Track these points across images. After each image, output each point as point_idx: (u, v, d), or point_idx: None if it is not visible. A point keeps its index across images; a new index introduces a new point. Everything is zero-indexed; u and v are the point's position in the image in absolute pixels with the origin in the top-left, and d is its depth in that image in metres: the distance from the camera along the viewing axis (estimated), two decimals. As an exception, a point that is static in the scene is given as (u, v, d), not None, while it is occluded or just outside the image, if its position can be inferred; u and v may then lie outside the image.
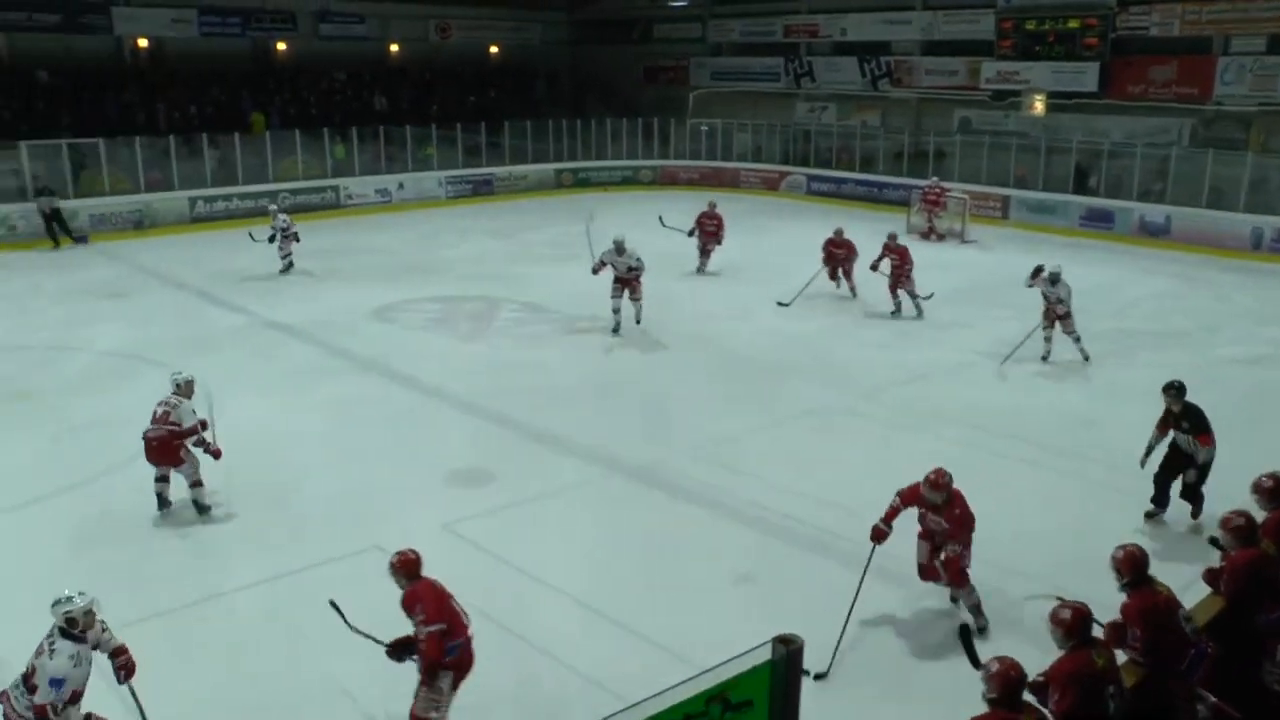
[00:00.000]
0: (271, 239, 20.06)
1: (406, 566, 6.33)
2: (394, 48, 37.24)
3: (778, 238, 23.94)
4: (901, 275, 16.98)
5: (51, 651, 5.69)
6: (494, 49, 39.89)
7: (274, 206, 21.62)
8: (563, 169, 32.96)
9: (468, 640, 6.34)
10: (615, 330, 15.85)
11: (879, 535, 7.71)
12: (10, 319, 17.20)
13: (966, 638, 5.85)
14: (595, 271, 15.87)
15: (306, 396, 13.20)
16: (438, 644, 6.11)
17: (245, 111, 30.63)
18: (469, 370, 14.22)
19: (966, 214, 24.56)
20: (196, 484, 9.73)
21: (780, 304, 17.65)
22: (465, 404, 12.89)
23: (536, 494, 10.30)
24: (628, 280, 15.72)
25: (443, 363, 14.58)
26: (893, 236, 17.46)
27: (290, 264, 20.29)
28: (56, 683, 5.61)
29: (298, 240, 20.38)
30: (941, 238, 24.34)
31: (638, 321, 15.99)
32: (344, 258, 21.87)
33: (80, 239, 23.76)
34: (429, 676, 6.21)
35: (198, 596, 8.32)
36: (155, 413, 9.64)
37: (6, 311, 17.68)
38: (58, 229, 23.34)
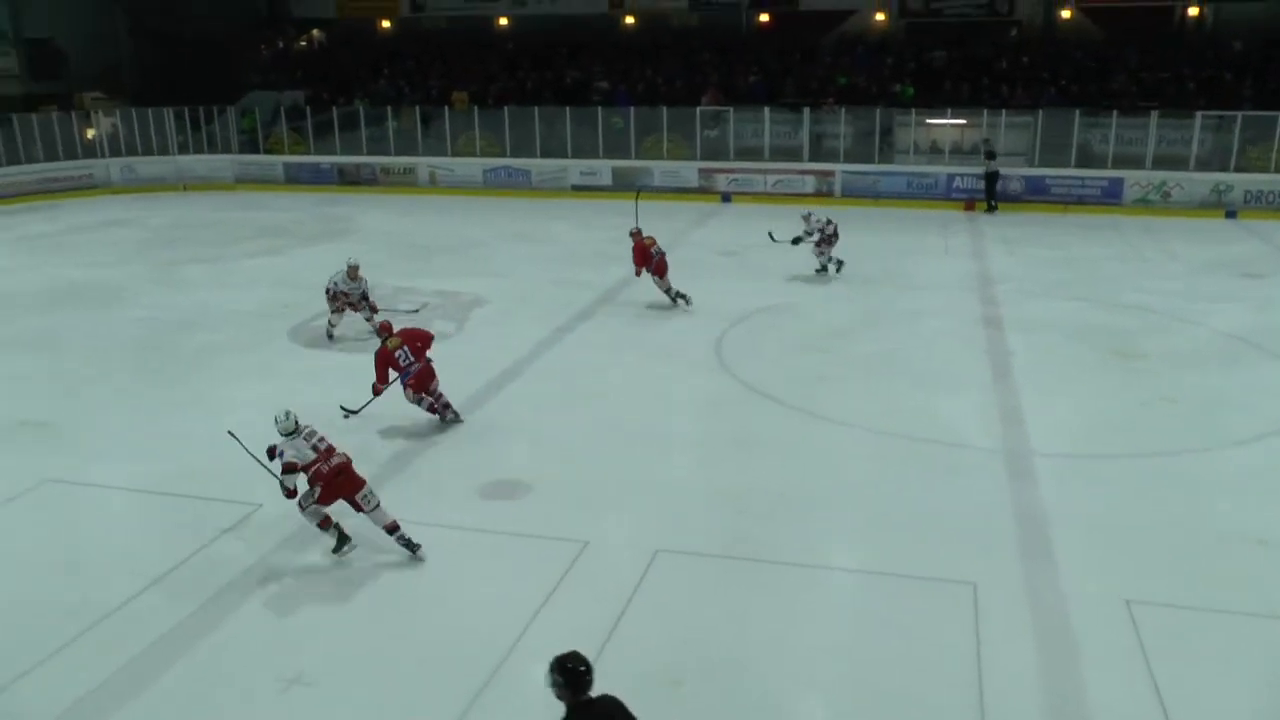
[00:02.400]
0: (796, 241, 17.60)
1: (384, 329, 11.19)
2: None
3: None
4: None
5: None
6: None
7: (807, 211, 18.29)
8: None
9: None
10: None
11: None
12: (1145, 279, 17.85)
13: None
14: None
15: None
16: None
17: None
18: None
19: None
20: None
21: None
22: None
23: None
24: None
25: None
26: None
27: (823, 266, 18.04)
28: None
29: (830, 242, 17.65)
30: None
31: None
32: None
33: (992, 209, 24.58)
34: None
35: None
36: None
37: (1166, 274, 18.46)
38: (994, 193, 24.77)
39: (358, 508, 8.34)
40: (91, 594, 8.00)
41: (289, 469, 8.14)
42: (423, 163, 28.80)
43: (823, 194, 26.34)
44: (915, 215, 24.70)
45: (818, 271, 18.22)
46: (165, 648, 7.31)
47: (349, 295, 14.58)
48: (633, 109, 27.82)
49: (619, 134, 27.62)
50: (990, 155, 24.95)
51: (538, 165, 27.93)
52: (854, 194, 26.26)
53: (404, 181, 28.74)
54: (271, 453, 8.30)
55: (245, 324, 15.68)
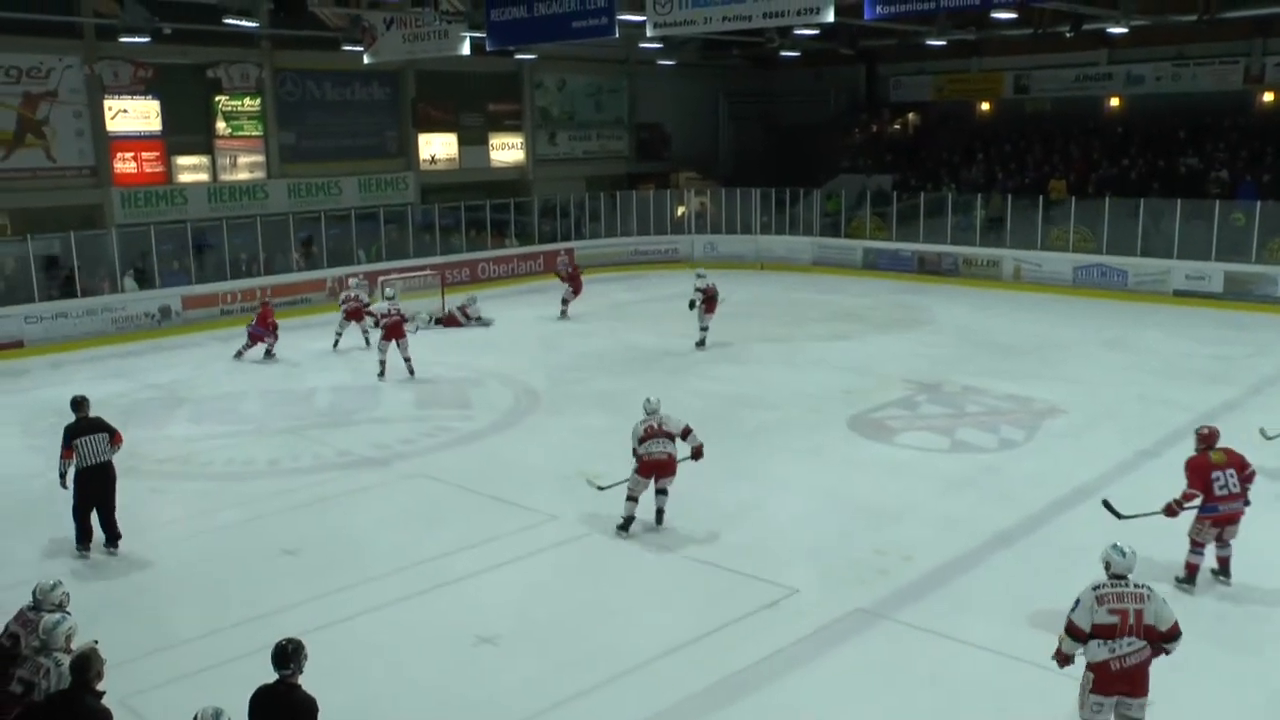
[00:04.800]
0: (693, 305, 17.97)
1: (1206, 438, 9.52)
2: None
3: None
4: None
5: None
6: None
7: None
8: None
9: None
10: None
11: None
12: None
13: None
14: None
15: None
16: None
17: None
18: None
19: None
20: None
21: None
22: None
23: None
24: None
25: None
26: None
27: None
28: None
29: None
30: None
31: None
32: None
33: None
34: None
35: None
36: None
37: None
38: None
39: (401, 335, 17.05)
40: (614, 646, 8.42)
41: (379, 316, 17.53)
42: (1008, 255, 27.45)
43: None
44: None
45: (698, 345, 18.47)
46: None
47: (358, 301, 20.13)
48: (1259, 204, 24.17)
49: (1239, 233, 24.12)
50: None
51: (1136, 265, 25.30)
52: None
53: (986, 274, 27.58)
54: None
55: (805, 406, 15.85)
